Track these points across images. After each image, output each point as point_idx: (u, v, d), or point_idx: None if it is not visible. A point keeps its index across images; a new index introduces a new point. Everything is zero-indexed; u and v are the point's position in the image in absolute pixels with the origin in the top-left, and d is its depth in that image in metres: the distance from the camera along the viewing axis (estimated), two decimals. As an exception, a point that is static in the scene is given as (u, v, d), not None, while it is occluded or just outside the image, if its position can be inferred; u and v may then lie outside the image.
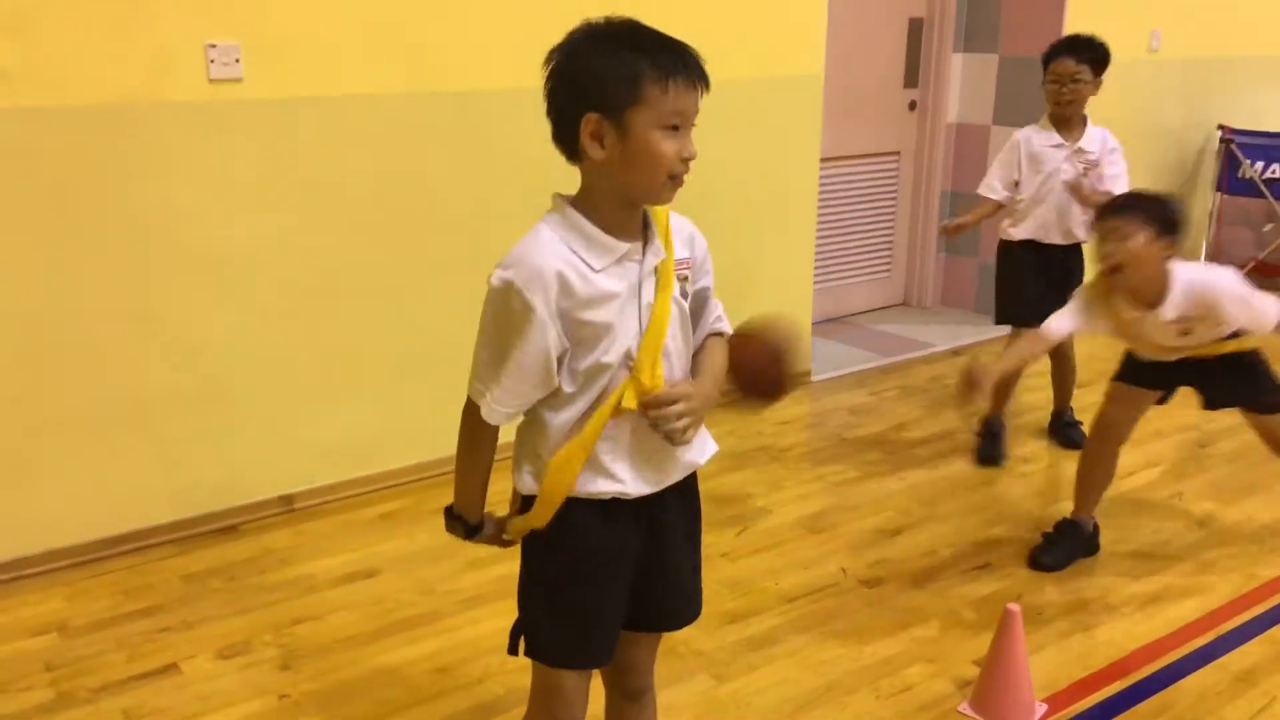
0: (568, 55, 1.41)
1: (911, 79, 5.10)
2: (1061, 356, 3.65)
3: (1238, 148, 5.14)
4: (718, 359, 1.60)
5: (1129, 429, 2.87)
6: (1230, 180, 5.19)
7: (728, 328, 1.65)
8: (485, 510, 1.62)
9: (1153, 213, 2.47)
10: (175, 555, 2.91)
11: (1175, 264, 2.51)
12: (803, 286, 4.24)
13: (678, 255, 1.52)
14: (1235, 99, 5.56)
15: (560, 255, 1.40)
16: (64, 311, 2.73)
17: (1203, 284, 2.51)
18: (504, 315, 1.40)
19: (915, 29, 5.03)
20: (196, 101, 2.78)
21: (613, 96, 1.37)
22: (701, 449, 1.60)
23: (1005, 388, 3.52)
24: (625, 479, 1.50)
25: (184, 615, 2.61)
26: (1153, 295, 2.51)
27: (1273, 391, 2.75)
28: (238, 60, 2.81)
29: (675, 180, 1.42)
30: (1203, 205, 5.46)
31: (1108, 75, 4.94)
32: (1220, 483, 3.41)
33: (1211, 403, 2.82)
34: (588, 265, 1.41)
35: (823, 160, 4.33)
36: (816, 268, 4.45)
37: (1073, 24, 4.74)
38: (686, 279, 1.54)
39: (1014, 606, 2.22)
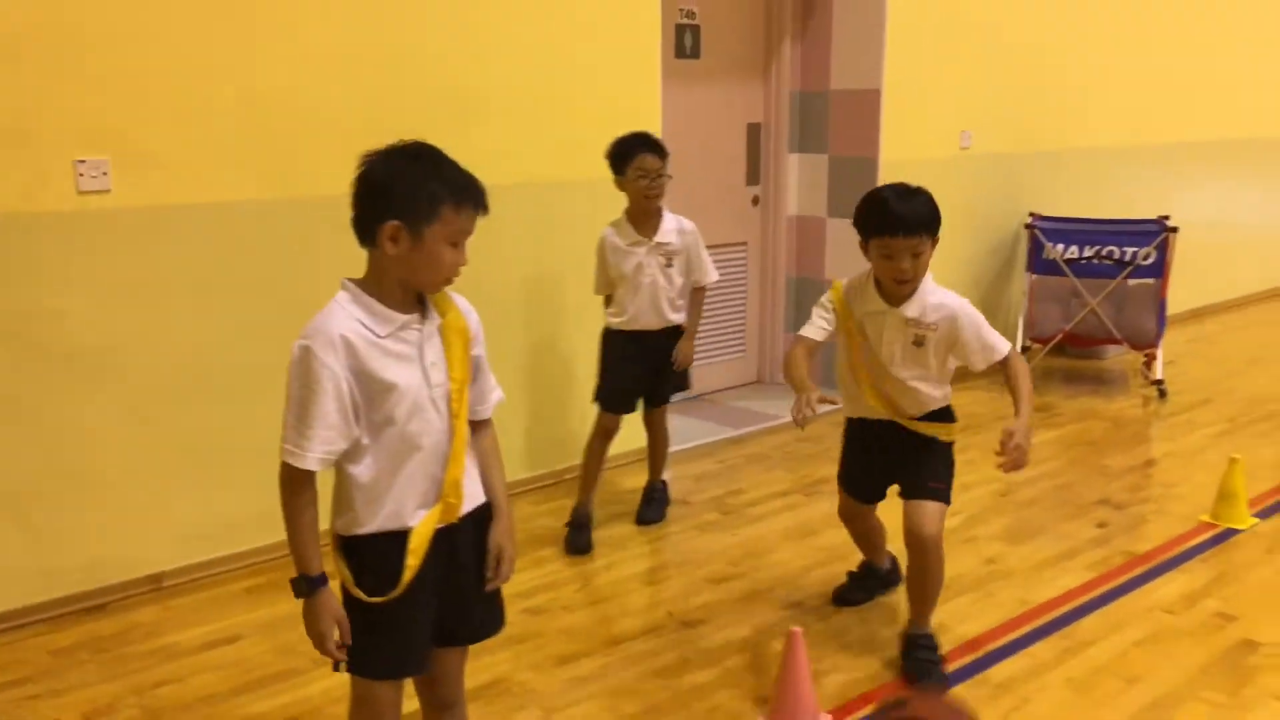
0: (377, 168, 1.77)
1: (754, 177, 5.63)
2: (655, 429, 3.88)
3: (1041, 232, 5.77)
4: (500, 474, 1.97)
5: (863, 512, 3.10)
6: (1037, 262, 5.80)
7: (500, 396, 2.00)
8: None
9: (935, 225, 2.66)
10: (45, 633, 3.07)
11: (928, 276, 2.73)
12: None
13: (465, 324, 1.89)
14: (1042, 188, 6.23)
15: (348, 325, 1.75)
16: (-62, 406, 2.94)
17: (945, 297, 2.72)
18: (303, 374, 1.73)
19: (754, 133, 5.57)
20: (66, 212, 3.06)
21: (414, 211, 1.74)
22: (475, 495, 1.93)
23: (592, 479, 3.75)
24: (413, 517, 1.83)
25: (52, 684, 2.79)
26: (905, 293, 2.70)
27: (940, 479, 2.80)
28: (106, 173, 3.11)
29: (449, 281, 1.82)
30: (1019, 285, 6.07)
31: (924, 171, 5.57)
32: (1012, 526, 3.85)
33: (907, 491, 2.83)
34: (373, 332, 1.76)
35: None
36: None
37: (888, 128, 5.33)
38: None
39: (796, 629, 2.55)
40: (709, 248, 5.62)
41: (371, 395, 1.76)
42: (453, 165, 1.80)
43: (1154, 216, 5.76)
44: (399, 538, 1.82)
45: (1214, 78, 7.30)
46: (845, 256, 5.59)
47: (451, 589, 1.90)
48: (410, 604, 1.83)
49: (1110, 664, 2.88)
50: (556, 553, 3.62)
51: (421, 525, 1.83)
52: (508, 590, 2.04)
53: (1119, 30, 6.53)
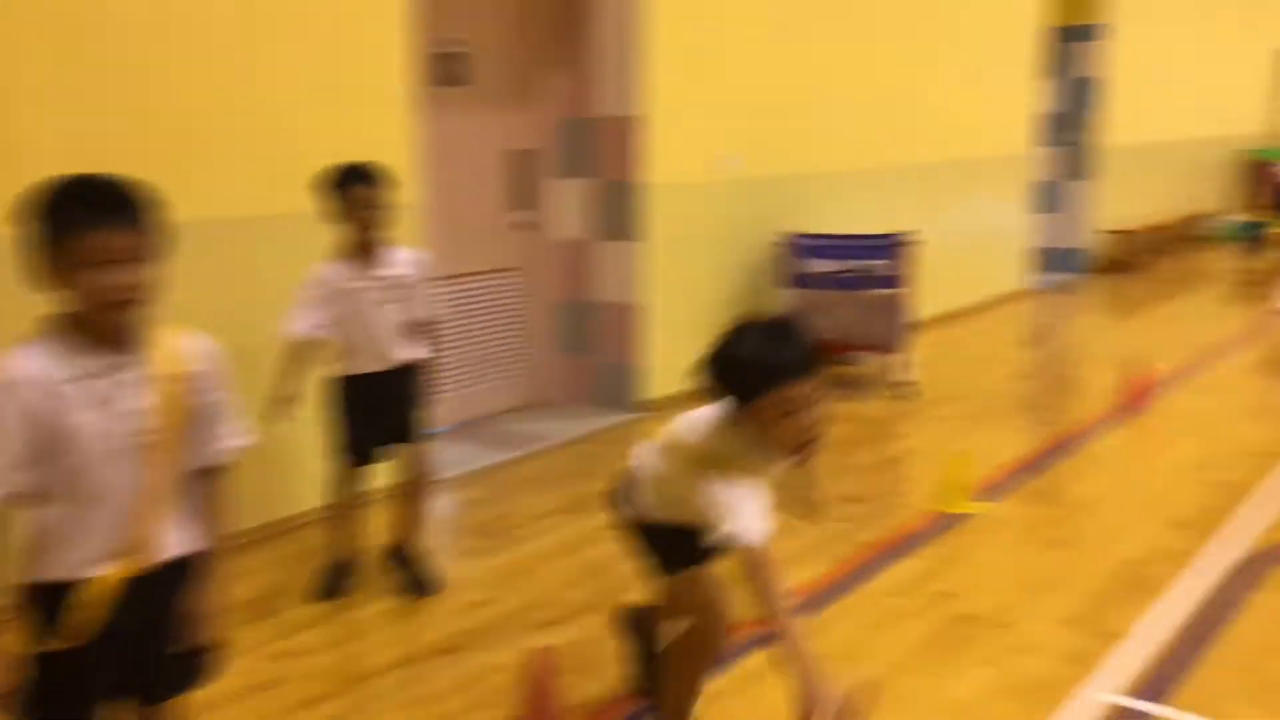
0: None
1: (523, 203, 5.70)
2: (406, 477, 3.56)
3: (796, 249, 6.12)
4: (213, 527, 1.92)
5: None
6: (792, 277, 6.15)
7: (238, 443, 1.94)
8: None
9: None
10: None
11: None
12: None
13: (184, 369, 1.82)
14: (798, 208, 6.61)
15: (33, 366, 1.69)
16: None
17: None
18: None
19: (523, 159, 5.64)
20: None
21: (42, 239, 1.70)
22: (176, 545, 1.87)
23: (346, 528, 3.53)
24: (97, 566, 1.77)
25: None
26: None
27: None
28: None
29: (114, 305, 1.71)
30: (776, 298, 6.40)
31: (685, 195, 5.75)
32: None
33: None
34: (59, 374, 1.70)
35: (447, 277, 4.76)
36: (450, 375, 4.84)
37: (649, 153, 5.52)
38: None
39: (541, 647, 2.63)
40: (479, 274, 5.74)
41: (54, 440, 1.70)
42: (91, 187, 1.72)
43: (899, 231, 6.20)
44: (80, 587, 1.76)
45: (950, 104, 7.95)
46: (614, 278, 5.75)
47: (139, 643, 1.85)
48: (89, 655, 1.78)
49: (838, 647, 3.07)
50: (304, 595, 3.51)
51: (103, 577, 1.77)
52: (250, 637, 2.00)
53: (867, 61, 7.02)
